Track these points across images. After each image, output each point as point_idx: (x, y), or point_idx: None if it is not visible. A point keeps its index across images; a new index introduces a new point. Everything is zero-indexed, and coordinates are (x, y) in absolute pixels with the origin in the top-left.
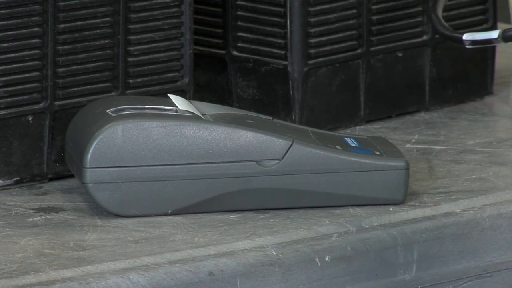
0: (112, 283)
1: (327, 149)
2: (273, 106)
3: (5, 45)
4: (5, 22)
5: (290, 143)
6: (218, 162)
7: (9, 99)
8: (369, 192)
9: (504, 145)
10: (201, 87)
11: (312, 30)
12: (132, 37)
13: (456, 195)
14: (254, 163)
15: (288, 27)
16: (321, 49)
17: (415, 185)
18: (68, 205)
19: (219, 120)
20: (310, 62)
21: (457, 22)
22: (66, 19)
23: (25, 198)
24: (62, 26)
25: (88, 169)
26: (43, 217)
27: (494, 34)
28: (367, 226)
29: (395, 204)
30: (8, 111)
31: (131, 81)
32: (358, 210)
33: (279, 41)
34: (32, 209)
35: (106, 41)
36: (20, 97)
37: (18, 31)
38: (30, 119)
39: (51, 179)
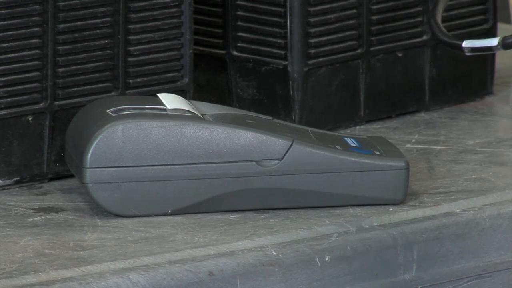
0: (112, 283)
1: (327, 149)
2: (273, 106)
3: (5, 45)
4: (5, 22)
5: (290, 143)
6: (218, 162)
7: (9, 99)
8: (369, 192)
9: (504, 145)
10: (201, 87)
11: (312, 30)
12: (132, 37)
13: (456, 195)
14: (254, 163)
15: (288, 27)
16: (321, 49)
17: (415, 185)
18: (68, 205)
19: (219, 120)
20: (310, 62)
21: (457, 22)
22: (66, 19)
23: (25, 198)
24: (62, 26)
25: (88, 169)
26: (43, 217)
27: (494, 42)
28: (367, 226)
29: (395, 204)
30: (8, 111)
31: (131, 81)
32: (358, 210)
33: (279, 41)
34: (32, 209)
35: (106, 41)
36: (20, 97)
37: (18, 31)
38: (30, 119)
39: (51, 179)
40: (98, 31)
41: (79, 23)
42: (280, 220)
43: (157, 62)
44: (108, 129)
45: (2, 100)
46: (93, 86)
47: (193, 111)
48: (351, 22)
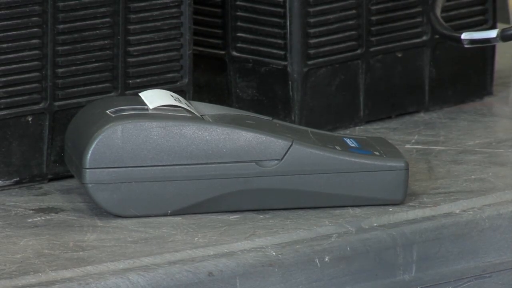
0: (112, 284)
1: (326, 149)
2: (272, 107)
3: (5, 45)
4: (5, 22)
5: (290, 143)
6: (218, 163)
7: (8, 100)
8: (368, 193)
9: (504, 145)
10: (200, 88)
11: (311, 31)
12: (131, 38)
13: (455, 195)
14: (254, 163)
15: (288, 28)
16: (321, 49)
17: (414, 185)
18: (67, 206)
19: (218, 120)
20: (310, 62)
21: (456, 23)
22: (65, 19)
23: (24, 198)
24: (61, 26)
25: (87, 170)
26: (43, 218)
27: (492, 34)
28: (366, 227)
29: (394, 204)
30: (8, 111)
31: (130, 81)
32: (357, 210)
33: (279, 41)
34: (32, 210)
35: (106, 41)
36: (20, 98)
37: (18, 32)
38: (29, 119)
39: (50, 180)
40: (97, 31)
41: (78, 23)
42: (280, 221)
43: (157, 63)
44: (108, 130)
45: (1, 100)
46: (93, 86)
47: (177, 104)
48: (350, 22)
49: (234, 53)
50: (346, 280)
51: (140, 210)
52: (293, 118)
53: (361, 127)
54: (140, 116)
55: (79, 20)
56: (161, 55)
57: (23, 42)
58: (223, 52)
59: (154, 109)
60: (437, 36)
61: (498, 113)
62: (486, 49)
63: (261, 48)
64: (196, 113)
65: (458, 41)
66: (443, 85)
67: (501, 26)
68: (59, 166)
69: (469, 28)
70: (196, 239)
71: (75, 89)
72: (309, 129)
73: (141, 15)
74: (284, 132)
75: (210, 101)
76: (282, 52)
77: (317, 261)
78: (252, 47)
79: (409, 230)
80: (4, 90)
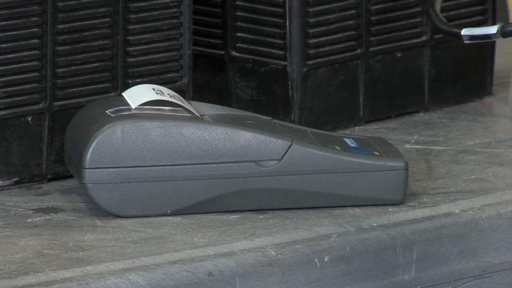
0: (111, 284)
1: (326, 149)
2: (272, 107)
3: (4, 45)
4: (4, 22)
5: (289, 143)
6: (217, 163)
7: (8, 100)
8: (368, 193)
9: (503, 145)
10: (200, 88)
11: (311, 31)
12: (131, 38)
13: (455, 195)
14: (253, 163)
15: (287, 28)
16: (320, 49)
17: (414, 185)
18: (67, 206)
19: (218, 120)
20: (309, 62)
21: (456, 23)
22: (65, 19)
23: (24, 198)
24: (61, 26)
25: (87, 170)
26: (43, 218)
27: (492, 30)
28: (366, 227)
29: (394, 204)
30: (7, 111)
31: (130, 81)
32: (357, 210)
33: (278, 41)
34: (32, 210)
35: (105, 41)
36: (19, 98)
37: (17, 32)
38: (29, 119)
39: (50, 180)
40: (97, 31)
41: (78, 23)
42: (280, 221)
43: (157, 63)
44: (108, 130)
45: (1, 100)
46: (93, 86)
47: (159, 98)
48: (350, 22)
49: (234, 53)
50: (346, 280)
51: (140, 210)
52: (292, 118)
53: (361, 127)
54: (139, 116)
55: (79, 20)
56: (161, 55)
57: (22, 42)
58: (222, 52)
59: (136, 108)
60: (437, 34)
61: (497, 113)
62: (486, 49)
63: (261, 48)
64: (195, 113)
65: (458, 37)
66: (442, 85)
67: None
68: (59, 166)
69: None
70: (195, 239)
71: (75, 89)
72: (309, 129)
73: (141, 15)
74: (283, 132)
75: (209, 101)
76: (282, 52)
77: (317, 261)
78: (251, 47)
79: (408, 230)
80: (3, 90)
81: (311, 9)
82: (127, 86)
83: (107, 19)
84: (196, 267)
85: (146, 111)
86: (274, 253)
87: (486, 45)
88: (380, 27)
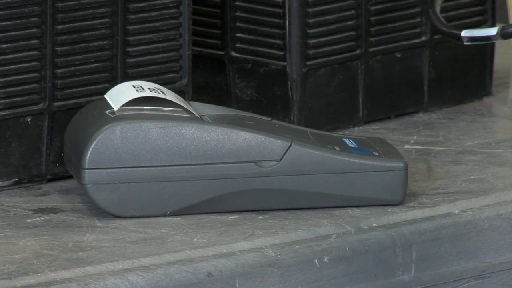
0: (111, 284)
1: (325, 150)
2: (271, 107)
3: (4, 46)
4: (4, 23)
5: (289, 144)
6: (217, 163)
7: (7, 100)
8: (367, 193)
9: (503, 146)
10: (199, 88)
11: (310, 31)
12: (130, 38)
13: (454, 196)
14: (253, 164)
15: (287, 28)
16: (320, 50)
17: (413, 186)
18: (66, 206)
19: (217, 121)
20: (309, 63)
21: (456, 23)
22: (64, 20)
23: (23, 199)
24: (60, 27)
25: (86, 170)
26: (42, 218)
27: (492, 31)
28: (365, 227)
29: (393, 205)
30: (7, 112)
31: None
32: (356, 211)
33: (278, 42)
34: (31, 210)
35: (105, 42)
36: (19, 98)
37: (17, 32)
38: (28, 120)
39: (49, 180)
40: (96, 32)
41: (77, 24)
42: (279, 221)
43: (156, 63)
44: (107, 130)
45: (1, 101)
46: (92, 87)
47: (140, 95)
48: (349, 23)
49: (233, 54)
50: (345, 280)
51: (139, 210)
52: (292, 118)
53: (360, 127)
54: (139, 116)
55: (78, 20)
56: (160, 55)
57: (22, 43)
58: (222, 53)
59: (119, 110)
60: (437, 35)
61: (497, 114)
62: (485, 49)
63: (260, 49)
64: (195, 114)
65: (458, 39)
66: (442, 86)
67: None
68: (58, 167)
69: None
70: (195, 239)
71: (74, 90)
72: (308, 130)
73: (140, 15)
74: (283, 132)
75: (209, 102)
76: (281, 53)
77: (316, 262)
78: (251, 47)
79: (408, 231)
80: (3, 90)
81: (310, 10)
82: None
83: (106, 20)
84: (195, 268)
85: (130, 112)
86: (273, 254)
87: (485, 46)
88: (379, 28)
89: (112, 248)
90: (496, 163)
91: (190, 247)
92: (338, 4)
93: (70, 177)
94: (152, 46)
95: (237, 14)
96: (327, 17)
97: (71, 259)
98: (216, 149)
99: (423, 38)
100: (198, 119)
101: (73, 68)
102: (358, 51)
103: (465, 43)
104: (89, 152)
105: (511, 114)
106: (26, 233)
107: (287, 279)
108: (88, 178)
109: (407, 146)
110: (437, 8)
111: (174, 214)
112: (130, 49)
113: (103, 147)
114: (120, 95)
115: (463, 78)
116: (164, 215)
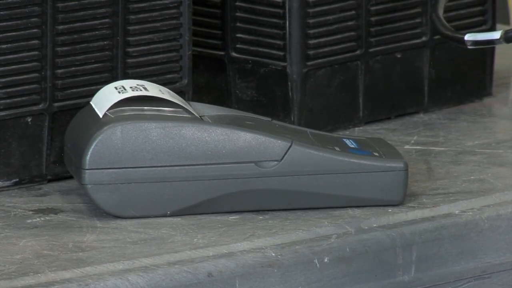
0: (111, 285)
1: (326, 150)
2: (272, 107)
3: (4, 46)
4: (4, 23)
5: (289, 144)
6: (217, 164)
7: (8, 101)
8: (368, 193)
9: (503, 146)
10: (200, 88)
11: (311, 32)
12: (131, 39)
13: (455, 196)
14: (253, 164)
15: (287, 29)
16: (320, 50)
17: (414, 186)
18: (67, 207)
19: (218, 121)
20: (309, 63)
21: (456, 24)
22: (65, 20)
23: (24, 199)
24: (61, 27)
25: (87, 171)
26: (42, 219)
27: (496, 35)
28: (366, 227)
29: (394, 205)
30: (7, 112)
31: None
32: (357, 211)
33: (278, 42)
34: (31, 211)
35: (105, 42)
36: (19, 99)
37: (17, 32)
38: (29, 120)
39: (50, 181)
40: (97, 32)
41: (78, 24)
42: (279, 221)
43: (156, 64)
44: (107, 131)
45: (1, 101)
46: (92, 87)
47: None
48: (350, 23)
49: (234, 54)
50: (346, 281)
51: (140, 210)
52: (292, 118)
53: (361, 128)
54: (139, 117)
55: (79, 21)
56: (161, 56)
57: (22, 43)
58: (222, 53)
59: (104, 116)
60: (439, 37)
61: (497, 114)
62: (485, 49)
63: (261, 49)
64: (195, 114)
65: (462, 42)
66: (442, 86)
67: (500, 26)
68: (59, 167)
69: (469, 29)
70: (195, 239)
71: (75, 90)
72: (308, 130)
73: (141, 16)
74: (283, 132)
75: (209, 102)
76: (282, 53)
77: (317, 262)
78: (251, 48)
79: (408, 231)
80: (3, 91)
81: (310, 10)
82: None
83: (107, 20)
84: (195, 268)
85: (130, 112)
86: (273, 254)
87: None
88: (379, 28)
89: (113, 248)
90: (496, 163)
91: (191, 248)
92: (338, 5)
93: (71, 177)
94: (152, 46)
95: (237, 14)
96: (328, 18)
97: (71, 260)
98: (216, 150)
99: (423, 39)
100: (199, 120)
101: (73, 68)
102: (358, 52)
103: (469, 47)
104: (89, 153)
105: (511, 114)
106: (26, 233)
107: (287, 279)
108: (89, 179)
109: (407, 147)
110: (440, 12)
111: (174, 214)
112: (130, 50)
113: (103, 148)
114: (103, 100)
115: (463, 79)
116: (165, 216)
